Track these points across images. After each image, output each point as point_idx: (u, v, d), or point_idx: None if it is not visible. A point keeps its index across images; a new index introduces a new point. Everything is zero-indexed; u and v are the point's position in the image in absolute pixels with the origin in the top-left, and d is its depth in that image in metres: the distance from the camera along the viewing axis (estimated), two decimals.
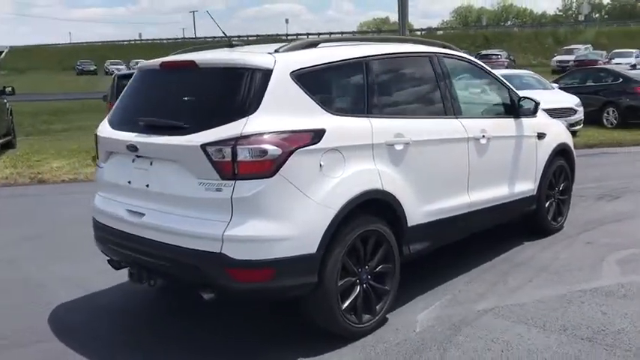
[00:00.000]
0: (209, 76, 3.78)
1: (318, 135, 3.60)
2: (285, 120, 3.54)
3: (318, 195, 3.59)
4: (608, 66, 20.38)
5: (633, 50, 37.88)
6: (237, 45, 4.34)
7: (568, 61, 36.10)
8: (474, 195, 4.83)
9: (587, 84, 15.79)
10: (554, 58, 38.98)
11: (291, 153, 3.46)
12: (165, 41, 75.76)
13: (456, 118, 4.73)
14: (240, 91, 3.55)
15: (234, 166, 3.39)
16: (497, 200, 5.14)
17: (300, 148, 3.50)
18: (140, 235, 3.79)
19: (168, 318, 4.46)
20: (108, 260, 4.37)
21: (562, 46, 49.89)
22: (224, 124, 3.47)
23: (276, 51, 3.78)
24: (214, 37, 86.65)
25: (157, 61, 4.17)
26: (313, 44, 4.00)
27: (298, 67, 3.72)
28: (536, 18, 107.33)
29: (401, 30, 15.75)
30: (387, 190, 3.98)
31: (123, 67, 52.22)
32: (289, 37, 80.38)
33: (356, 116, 3.96)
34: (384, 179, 3.97)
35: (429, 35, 66.41)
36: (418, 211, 4.27)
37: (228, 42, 4.47)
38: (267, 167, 3.40)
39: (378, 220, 3.96)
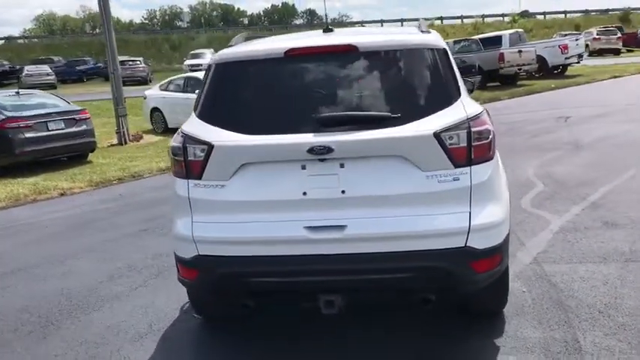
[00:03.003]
0: (385, 60, 3.35)
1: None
2: (469, 99, 3.46)
3: (503, 172, 3.63)
4: None
5: None
6: (332, 30, 3.83)
7: (200, 65, 38.12)
8: None
9: None
10: (186, 62, 40.58)
11: (494, 132, 3.41)
12: None
13: None
14: (439, 72, 3.34)
15: (469, 151, 3.19)
16: None
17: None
18: (340, 253, 3.16)
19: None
20: (242, 305, 3.52)
21: (177, 52, 52.32)
22: (440, 109, 3.23)
23: (423, 32, 3.62)
24: None
25: (274, 49, 3.44)
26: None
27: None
28: (124, 26, 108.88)
29: (106, 33, 14.65)
30: None
31: None
32: None
33: None
34: None
35: (10, 45, 60.56)
36: None
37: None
38: (490, 149, 3.31)
39: None
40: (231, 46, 3.80)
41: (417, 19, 59.81)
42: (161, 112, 15.77)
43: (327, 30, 3.82)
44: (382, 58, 3.36)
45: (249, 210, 3.28)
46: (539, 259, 4.94)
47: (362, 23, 67.03)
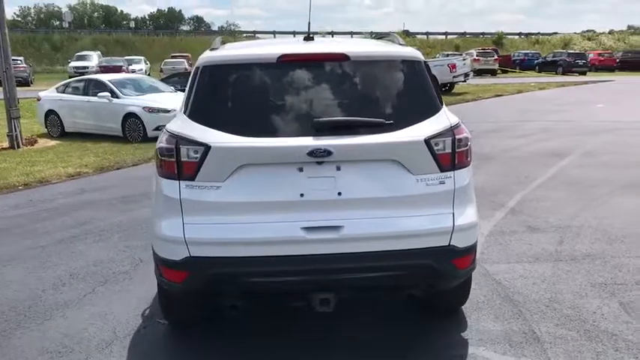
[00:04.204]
0: (375, 69, 3.51)
1: None
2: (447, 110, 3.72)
3: None
4: (185, 71, 21.72)
5: (141, 57, 41.54)
6: (313, 37, 3.93)
7: (85, 67, 36.48)
8: None
9: None
10: (71, 64, 38.64)
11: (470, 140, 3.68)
12: None
13: None
14: (424, 83, 3.55)
15: (453, 157, 3.44)
16: None
17: None
18: (337, 252, 3.29)
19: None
20: (230, 306, 3.52)
21: (59, 53, 49.70)
22: (428, 117, 3.46)
23: (401, 44, 3.84)
24: None
25: (266, 55, 3.52)
26: None
27: None
28: None
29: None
30: None
31: None
32: None
33: None
34: None
35: None
36: None
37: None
38: (468, 155, 3.57)
39: None
40: (214, 49, 3.80)
41: (318, 33, 60.89)
42: (57, 115, 14.93)
43: (309, 38, 3.93)
44: (372, 68, 3.52)
45: (245, 211, 3.31)
46: (479, 259, 5.28)
47: (254, 33, 67.21)
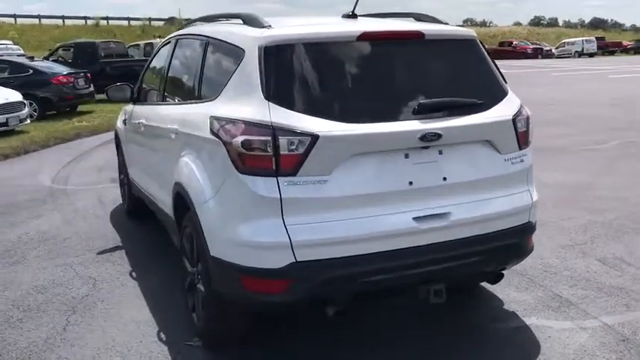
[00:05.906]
0: (449, 48, 3.42)
1: None
2: None
3: None
4: (9, 58, 18.29)
5: None
6: (356, 16, 3.62)
7: None
8: None
9: None
10: None
11: None
12: None
13: None
14: (489, 63, 3.54)
15: (527, 135, 3.51)
16: None
17: None
18: (447, 240, 3.15)
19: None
20: (336, 312, 3.12)
21: None
22: (503, 95, 3.48)
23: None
24: None
25: (345, 33, 3.23)
26: None
27: None
28: None
29: None
30: None
31: None
32: None
33: None
34: None
35: None
36: None
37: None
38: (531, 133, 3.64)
39: None
40: (266, 26, 3.28)
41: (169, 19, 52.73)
42: None
43: (351, 15, 3.65)
44: (446, 47, 3.44)
45: (354, 205, 2.99)
46: None
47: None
